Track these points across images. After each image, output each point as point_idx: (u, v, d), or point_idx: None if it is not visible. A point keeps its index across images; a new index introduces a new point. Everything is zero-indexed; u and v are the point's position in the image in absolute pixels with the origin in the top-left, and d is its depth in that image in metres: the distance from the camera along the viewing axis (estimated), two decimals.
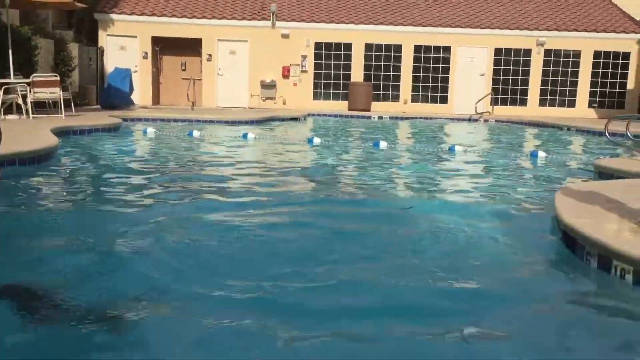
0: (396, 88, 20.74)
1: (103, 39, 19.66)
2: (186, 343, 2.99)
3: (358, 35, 20.38)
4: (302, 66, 20.37)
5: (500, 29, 20.54)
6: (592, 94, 20.93)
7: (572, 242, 4.50)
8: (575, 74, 20.81)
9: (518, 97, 20.90)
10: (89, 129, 11.85)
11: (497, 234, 5.10)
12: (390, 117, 18.82)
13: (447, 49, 20.59)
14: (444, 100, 20.80)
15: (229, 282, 3.71)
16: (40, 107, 13.38)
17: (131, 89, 17.33)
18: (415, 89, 20.74)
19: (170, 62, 20.58)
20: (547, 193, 6.98)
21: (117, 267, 3.94)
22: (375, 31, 20.38)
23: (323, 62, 20.49)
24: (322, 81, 20.59)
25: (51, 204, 5.91)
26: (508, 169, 9.36)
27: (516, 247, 4.73)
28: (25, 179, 6.81)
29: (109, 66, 18.92)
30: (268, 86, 20.31)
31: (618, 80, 20.83)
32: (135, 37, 19.79)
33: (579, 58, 20.73)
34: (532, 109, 20.67)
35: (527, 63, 20.74)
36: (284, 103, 20.38)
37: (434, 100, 20.79)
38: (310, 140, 11.89)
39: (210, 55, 20.15)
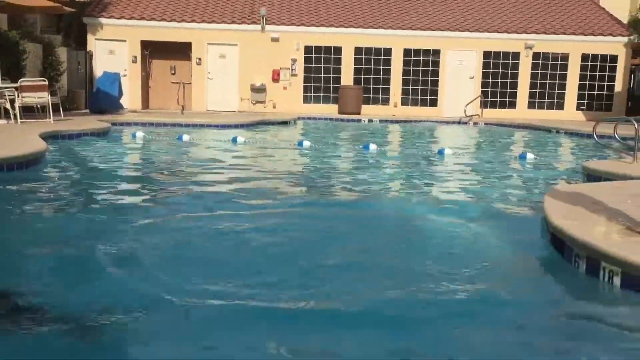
0: (386, 91, 20.79)
1: (92, 43, 19.58)
2: (176, 346, 2.97)
3: (348, 39, 20.42)
4: (292, 70, 20.38)
5: (489, 32, 20.65)
6: (581, 97, 21.08)
7: (560, 244, 4.52)
8: (564, 76, 20.95)
9: (507, 99, 21.01)
10: (77, 134, 11.78)
11: (485, 236, 5.12)
12: (381, 120, 18.86)
13: (436, 52, 20.66)
14: (433, 103, 20.87)
15: (219, 285, 3.69)
16: (29, 111, 13.30)
17: (120, 93, 17.26)
18: (405, 92, 20.80)
19: (159, 66, 20.52)
20: (536, 195, 7.02)
21: (106, 272, 3.91)
22: (365, 35, 20.43)
23: (313, 65, 20.51)
24: (312, 85, 20.61)
25: (39, 209, 5.86)
26: (497, 172, 9.39)
27: (505, 249, 4.75)
28: (13, 184, 6.76)
29: (98, 70, 18.82)
30: (258, 90, 20.29)
31: (606, 83, 20.99)
32: (125, 41, 19.72)
33: (567, 61, 20.87)
34: (521, 112, 20.79)
35: (515, 66, 20.86)
36: (274, 107, 20.37)
37: (423, 103, 20.86)
38: (300, 144, 11.89)
39: (199, 59, 20.11)
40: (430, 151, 11.70)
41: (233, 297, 3.56)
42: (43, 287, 3.69)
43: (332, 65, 20.53)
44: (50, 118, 12.88)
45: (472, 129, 17.93)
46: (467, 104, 19.72)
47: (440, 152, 11.07)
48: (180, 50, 20.04)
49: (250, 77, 20.26)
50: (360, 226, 5.43)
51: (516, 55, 20.77)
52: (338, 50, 20.47)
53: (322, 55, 20.48)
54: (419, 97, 20.85)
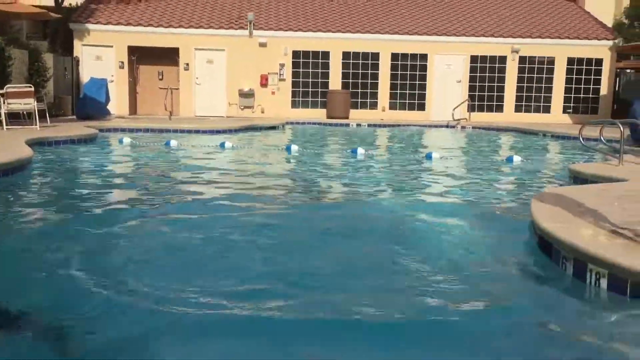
0: (374, 96, 20.85)
1: (78, 48, 19.48)
2: (166, 349, 2.95)
3: (336, 44, 20.46)
4: (280, 75, 20.39)
5: (476, 36, 20.78)
6: (567, 100, 21.25)
7: (548, 246, 4.54)
8: (550, 80, 21.11)
9: (494, 103, 21.13)
10: (64, 140, 11.70)
11: (473, 239, 5.14)
12: (369, 125, 18.90)
13: (424, 57, 20.76)
14: (421, 107, 20.95)
15: (208, 290, 3.67)
16: (15, 118, 13.19)
17: (107, 99, 17.16)
18: (393, 96, 20.87)
19: (147, 72, 20.45)
20: (523, 198, 7.05)
21: (94, 278, 3.87)
22: (352, 39, 20.49)
23: (301, 70, 20.52)
24: (301, 89, 20.62)
25: (24, 216, 5.81)
26: (485, 175, 9.43)
27: (493, 252, 4.76)
28: None
29: (85, 76, 18.73)
30: (246, 95, 20.27)
31: (591, 86, 21.17)
32: (111, 46, 19.64)
33: (553, 64, 21.04)
34: (508, 115, 20.92)
35: (502, 70, 21.00)
36: (263, 112, 20.36)
37: (411, 107, 20.93)
38: (288, 148, 11.88)
39: (187, 64, 20.06)
40: (418, 155, 11.73)
41: (221, 302, 3.55)
42: (22, 294, 3.65)
43: (320, 70, 20.56)
44: (36, 124, 12.79)
45: (459, 133, 18.01)
46: (455, 108, 19.82)
47: (428, 156, 11.11)
48: (168, 56, 19.99)
49: (238, 82, 20.24)
50: (348, 230, 5.42)
51: (503, 59, 20.91)
52: (326, 55, 20.51)
53: (310, 60, 20.51)
54: (407, 101, 20.93)
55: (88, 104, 16.61)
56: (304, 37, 20.34)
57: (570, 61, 20.99)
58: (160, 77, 20.41)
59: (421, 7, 22.82)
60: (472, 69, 20.90)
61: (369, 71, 20.68)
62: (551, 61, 21.00)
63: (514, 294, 3.93)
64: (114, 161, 10.71)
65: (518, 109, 21.16)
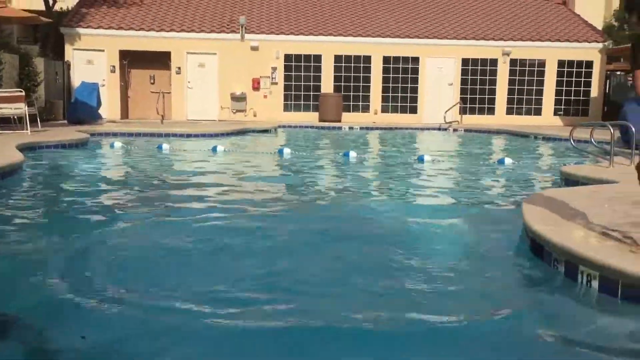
0: (366, 99, 20.88)
1: (69, 53, 19.41)
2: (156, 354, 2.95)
3: (327, 47, 20.49)
4: (272, 78, 20.39)
5: (467, 39, 20.87)
6: (558, 102, 21.37)
7: (539, 249, 4.56)
8: (541, 82, 21.23)
9: (486, 106, 21.22)
10: (55, 145, 11.65)
11: (465, 241, 5.15)
12: (361, 128, 18.92)
13: (415, 60, 20.82)
14: (413, 110, 21.01)
15: (199, 294, 3.67)
16: (5, 123, 13.13)
17: (99, 103, 17.11)
18: (385, 99, 20.91)
19: (138, 76, 20.40)
20: (515, 200, 7.08)
21: (84, 284, 3.86)
22: (344, 43, 20.52)
23: (293, 73, 20.54)
24: (293, 93, 20.63)
25: (14, 222, 5.77)
26: (476, 177, 9.47)
27: (485, 255, 4.78)
28: None
29: (76, 80, 18.66)
30: (238, 98, 20.26)
31: (582, 89, 21.30)
32: (103, 50, 19.59)
33: (544, 67, 21.16)
34: (500, 118, 21.01)
35: (493, 73, 21.09)
36: (255, 115, 20.35)
37: (403, 110, 20.99)
38: (280, 152, 11.88)
39: (179, 68, 20.04)
40: (411, 158, 11.76)
41: (212, 307, 3.54)
42: (7, 300, 3.63)
43: (312, 74, 20.58)
44: (27, 129, 12.72)
45: (451, 135, 18.07)
46: (447, 111, 19.89)
47: (420, 158, 11.13)
48: (160, 60, 19.95)
49: (230, 85, 20.23)
50: (341, 234, 5.42)
51: (494, 62, 21.01)
52: (318, 58, 20.53)
53: (302, 64, 20.53)
54: (399, 104, 20.98)
55: (79, 109, 16.56)
56: (295, 40, 20.36)
57: (561, 64, 21.12)
58: (152, 81, 20.37)
59: (412, 10, 22.90)
60: (464, 72, 20.99)
61: (361, 74, 20.73)
62: (542, 64, 21.12)
63: (506, 296, 3.94)
64: (106, 166, 10.68)
65: (509, 111, 21.26)
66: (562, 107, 21.38)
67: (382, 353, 3.07)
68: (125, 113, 20.13)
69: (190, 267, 4.38)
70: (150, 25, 20.01)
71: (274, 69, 20.37)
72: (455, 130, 18.95)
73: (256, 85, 20.33)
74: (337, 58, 20.57)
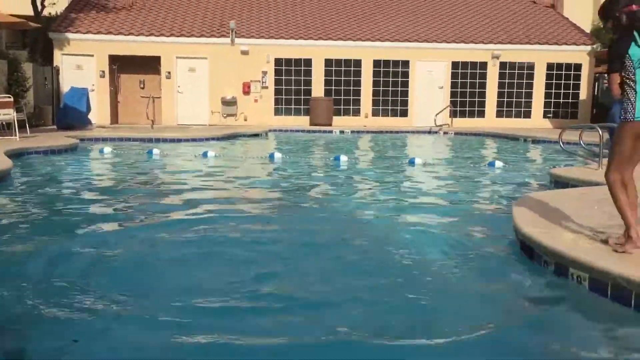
0: (357, 102, 20.91)
1: (58, 58, 19.32)
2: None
3: (318, 51, 20.51)
4: (262, 82, 20.38)
5: (457, 42, 20.96)
6: (547, 105, 21.49)
7: (529, 251, 4.57)
8: (530, 85, 21.35)
9: (476, 109, 21.30)
10: (44, 150, 11.59)
11: (455, 245, 5.15)
12: (352, 132, 18.94)
13: (405, 63, 20.88)
14: (404, 113, 21.06)
15: (191, 300, 3.64)
16: None
17: (88, 108, 17.03)
18: (375, 102, 20.95)
19: (128, 81, 20.33)
20: (505, 203, 7.10)
21: (74, 290, 3.83)
22: (334, 46, 20.55)
23: (284, 77, 20.54)
24: (283, 97, 20.63)
25: (2, 228, 5.72)
26: (467, 180, 9.49)
27: (476, 256, 4.78)
28: None
29: (65, 86, 18.56)
30: (229, 103, 20.23)
31: (571, 91, 21.44)
32: (92, 55, 19.50)
33: (533, 70, 21.28)
34: (490, 120, 21.10)
35: (483, 76, 21.18)
36: (245, 119, 20.32)
37: (394, 113, 21.04)
38: (271, 156, 11.86)
39: (169, 72, 19.98)
40: (401, 161, 11.77)
41: (205, 310, 3.52)
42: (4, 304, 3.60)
43: (302, 78, 20.59)
44: (16, 135, 12.64)
45: (442, 138, 18.12)
46: (437, 114, 19.95)
47: (411, 161, 11.16)
48: (149, 64, 19.89)
49: (220, 90, 20.20)
50: (332, 236, 5.41)
51: (483, 65, 21.10)
52: (308, 62, 20.55)
53: (293, 68, 20.54)
54: (390, 107, 21.03)
55: (69, 114, 16.48)
56: (286, 44, 20.37)
57: (550, 66, 21.25)
58: (142, 85, 20.30)
59: (402, 14, 22.97)
60: (454, 75, 21.06)
61: (352, 78, 20.76)
62: (531, 66, 21.24)
63: (497, 296, 3.95)
64: (95, 171, 10.62)
65: (499, 114, 21.35)
66: (552, 109, 21.50)
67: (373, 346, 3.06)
68: (115, 118, 20.05)
69: (180, 273, 4.35)
70: (139, 30, 19.95)
71: (265, 73, 20.36)
72: (445, 133, 19.00)
73: (247, 90, 20.31)
74: (328, 62, 20.60)
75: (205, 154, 11.98)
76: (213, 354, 3.08)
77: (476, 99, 21.26)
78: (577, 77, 21.32)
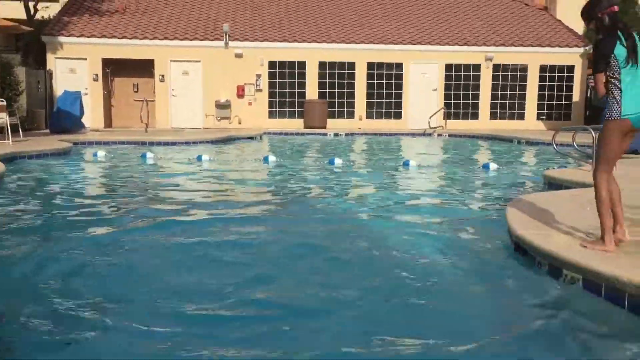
0: (351, 105, 20.93)
1: (51, 61, 19.26)
2: None
3: (311, 54, 20.53)
4: (256, 85, 20.37)
5: (450, 45, 21.01)
6: (540, 107, 21.56)
7: (523, 253, 4.59)
8: (523, 87, 21.42)
9: (470, 111, 21.35)
10: (37, 154, 11.54)
11: (449, 246, 5.16)
12: (346, 134, 18.95)
13: (399, 66, 20.92)
14: (398, 115, 21.09)
15: (184, 304, 3.63)
16: None
17: (81, 112, 16.97)
18: (369, 105, 20.97)
19: (122, 84, 20.29)
20: (499, 204, 7.12)
21: (67, 295, 3.81)
22: (328, 49, 20.57)
23: (277, 80, 20.54)
24: (277, 100, 20.63)
25: None
26: (461, 182, 9.51)
27: (470, 258, 4.78)
28: None
29: (59, 89, 18.51)
30: (223, 106, 20.21)
31: (564, 93, 21.52)
32: (85, 59, 19.45)
33: (526, 72, 21.35)
34: (484, 122, 21.15)
35: (477, 78, 21.24)
36: (240, 122, 20.31)
37: (388, 115, 21.06)
38: (266, 159, 11.85)
39: (162, 76, 19.95)
40: (396, 163, 11.79)
41: (198, 315, 3.51)
42: None
43: (296, 80, 20.59)
44: (8, 139, 12.58)
45: (436, 140, 18.16)
46: (431, 116, 19.99)
47: (406, 163, 11.17)
48: (143, 68, 19.86)
49: (214, 93, 20.18)
50: (327, 239, 5.41)
51: (477, 67, 21.16)
52: (302, 65, 20.56)
53: (287, 71, 20.54)
54: (384, 109, 21.05)
55: (62, 118, 16.42)
56: (279, 47, 20.37)
57: (543, 68, 21.33)
58: (136, 89, 20.26)
59: (396, 16, 23.02)
60: (447, 77, 21.12)
61: (345, 81, 20.78)
62: (524, 69, 21.32)
63: (491, 298, 3.96)
64: (88, 175, 10.57)
65: (493, 116, 21.41)
66: (545, 111, 21.57)
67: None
68: (108, 122, 20.00)
69: (172, 278, 4.34)
70: (133, 33, 19.92)
71: (259, 76, 20.36)
72: (439, 135, 19.04)
73: (241, 93, 20.30)
74: (322, 64, 20.61)
75: (199, 158, 11.96)
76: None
77: (470, 101, 21.31)
78: (570, 79, 21.41)
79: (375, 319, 3.55)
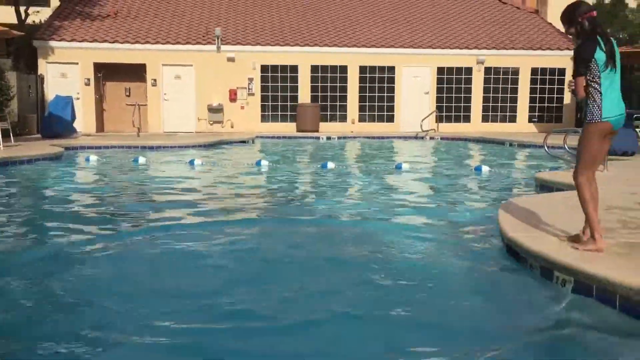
0: (343, 108, 20.96)
1: (43, 66, 19.19)
2: None
3: (304, 57, 20.55)
4: (249, 89, 20.37)
5: (442, 48, 21.09)
6: (532, 109, 21.66)
7: (515, 255, 4.60)
8: (515, 90, 21.52)
9: (462, 114, 21.43)
10: (28, 159, 11.48)
11: (442, 249, 5.17)
12: (339, 137, 18.97)
13: (391, 69, 20.97)
14: (390, 119, 21.13)
15: (178, 309, 3.62)
16: None
17: (73, 116, 16.91)
18: (362, 108, 21.01)
19: (113, 88, 20.24)
20: (491, 207, 7.14)
21: (59, 302, 3.79)
22: (320, 53, 20.60)
23: (270, 84, 20.55)
24: (270, 103, 20.63)
25: None
26: (453, 185, 9.53)
27: (463, 261, 4.79)
28: None
29: (50, 94, 18.43)
30: (215, 110, 20.19)
31: (555, 95, 21.64)
32: (77, 63, 19.39)
33: (518, 75, 21.46)
34: (476, 125, 21.23)
35: (468, 81, 21.32)
36: (232, 126, 20.29)
37: (380, 119, 21.10)
38: (258, 163, 11.84)
39: (155, 80, 19.91)
40: (388, 166, 11.81)
41: (192, 319, 3.50)
42: None
43: (289, 84, 20.61)
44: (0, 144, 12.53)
45: (428, 144, 18.20)
46: (423, 119, 20.04)
47: (398, 166, 11.19)
48: (135, 72, 19.82)
49: (207, 97, 20.16)
50: (319, 243, 5.41)
51: (469, 70, 21.24)
52: (294, 68, 20.58)
53: (279, 74, 20.56)
54: (376, 113, 21.09)
55: (54, 122, 16.35)
56: (272, 51, 20.39)
57: (534, 71, 21.44)
58: (128, 93, 20.21)
59: (387, 20, 23.08)
60: (439, 80, 21.19)
61: (338, 84, 20.81)
62: (515, 71, 21.42)
63: (483, 300, 3.97)
64: (80, 180, 10.54)
65: (485, 119, 21.50)
66: (536, 113, 21.68)
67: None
68: (100, 126, 19.93)
69: (164, 283, 4.32)
70: (124, 38, 19.88)
71: (251, 79, 20.36)
72: (432, 138, 19.09)
73: (233, 97, 20.29)
74: (314, 68, 20.64)
75: (192, 162, 11.93)
76: None
77: (462, 104, 21.38)
78: (561, 82, 21.52)
79: (367, 323, 3.55)
